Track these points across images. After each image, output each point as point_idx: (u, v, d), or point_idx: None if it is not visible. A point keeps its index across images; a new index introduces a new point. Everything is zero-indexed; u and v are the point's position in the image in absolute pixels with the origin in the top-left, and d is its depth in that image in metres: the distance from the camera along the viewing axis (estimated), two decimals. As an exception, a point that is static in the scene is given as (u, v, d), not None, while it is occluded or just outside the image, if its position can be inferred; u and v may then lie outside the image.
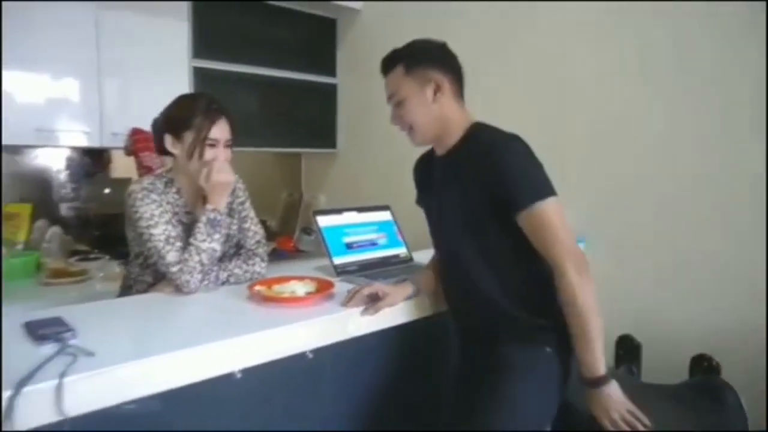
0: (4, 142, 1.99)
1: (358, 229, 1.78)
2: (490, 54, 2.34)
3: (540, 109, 2.17)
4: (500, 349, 1.27)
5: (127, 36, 2.25)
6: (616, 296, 1.94)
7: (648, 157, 1.90)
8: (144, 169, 2.37)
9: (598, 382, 1.18)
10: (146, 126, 2.33)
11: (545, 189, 1.20)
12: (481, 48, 2.34)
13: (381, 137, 2.90)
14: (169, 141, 1.49)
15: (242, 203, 1.65)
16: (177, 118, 1.49)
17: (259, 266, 1.60)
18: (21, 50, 2.01)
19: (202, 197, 1.52)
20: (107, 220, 3.49)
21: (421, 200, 1.49)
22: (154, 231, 1.41)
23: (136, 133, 2.31)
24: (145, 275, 1.54)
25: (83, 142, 2.21)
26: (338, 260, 1.67)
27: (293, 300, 1.35)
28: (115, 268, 2.36)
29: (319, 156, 3.25)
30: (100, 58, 2.19)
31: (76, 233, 2.77)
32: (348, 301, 1.35)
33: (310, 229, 3.27)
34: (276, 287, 1.42)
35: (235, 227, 1.62)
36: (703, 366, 1.69)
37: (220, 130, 1.48)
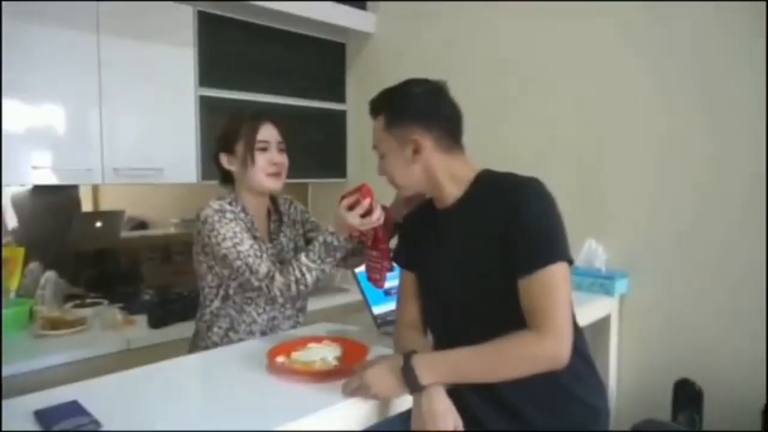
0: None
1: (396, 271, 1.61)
2: (511, 74, 2.22)
3: (576, 143, 2.03)
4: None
5: (129, 64, 2.09)
6: (671, 335, 1.81)
7: (694, 182, 1.78)
8: None
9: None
10: (147, 160, 2.17)
11: (564, 250, 1.05)
12: (501, 69, 2.23)
13: (394, 166, 2.76)
14: (224, 160, 1.47)
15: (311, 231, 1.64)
16: (226, 133, 1.46)
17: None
18: (14, 77, 1.82)
19: (268, 219, 1.53)
20: (99, 256, 3.30)
21: (409, 258, 1.29)
22: (242, 248, 1.35)
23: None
24: (227, 309, 1.47)
25: (84, 179, 2.03)
26: (378, 310, 1.51)
27: (328, 374, 1.15)
28: (116, 314, 2.17)
29: (328, 186, 3.10)
30: (101, 88, 2.02)
31: (69, 276, 2.56)
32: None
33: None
34: (297, 356, 1.22)
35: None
36: (776, 416, 1.56)
37: (268, 132, 1.45)
